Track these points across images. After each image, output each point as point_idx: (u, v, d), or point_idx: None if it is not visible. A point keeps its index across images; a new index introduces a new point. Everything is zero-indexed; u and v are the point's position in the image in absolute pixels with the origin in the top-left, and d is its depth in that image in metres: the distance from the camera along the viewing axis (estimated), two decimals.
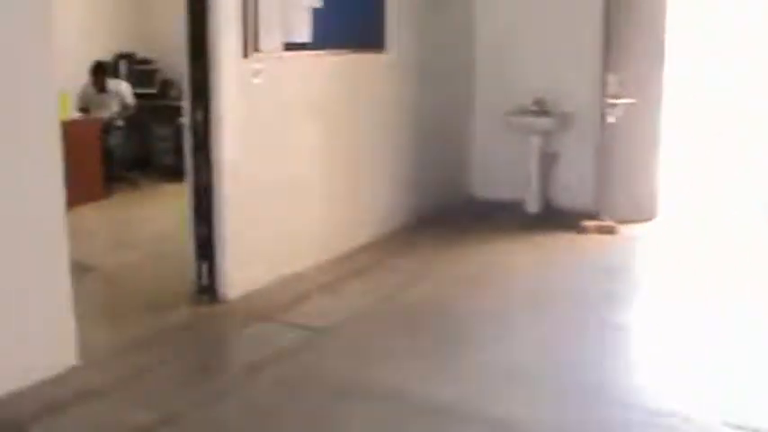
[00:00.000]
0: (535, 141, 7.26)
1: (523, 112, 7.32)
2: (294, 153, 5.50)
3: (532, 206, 7.32)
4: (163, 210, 7.51)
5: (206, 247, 5.08)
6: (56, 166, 4.06)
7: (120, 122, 8.78)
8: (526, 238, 6.65)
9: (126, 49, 9.76)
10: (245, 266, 5.14)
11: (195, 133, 4.96)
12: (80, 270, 5.65)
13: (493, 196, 7.63)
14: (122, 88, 8.86)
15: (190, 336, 4.61)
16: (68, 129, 7.89)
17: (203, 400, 3.83)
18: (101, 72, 8.64)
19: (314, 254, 5.71)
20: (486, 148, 7.73)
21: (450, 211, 7.38)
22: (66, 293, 4.10)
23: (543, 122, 7.25)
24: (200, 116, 4.91)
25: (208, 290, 5.11)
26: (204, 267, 5.10)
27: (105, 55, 9.28)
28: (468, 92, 7.69)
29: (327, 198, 5.86)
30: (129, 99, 8.87)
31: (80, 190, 7.76)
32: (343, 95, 5.90)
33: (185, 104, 5.00)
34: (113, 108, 8.72)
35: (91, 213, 7.70)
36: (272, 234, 5.32)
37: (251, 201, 5.14)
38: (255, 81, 5.08)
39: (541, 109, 7.29)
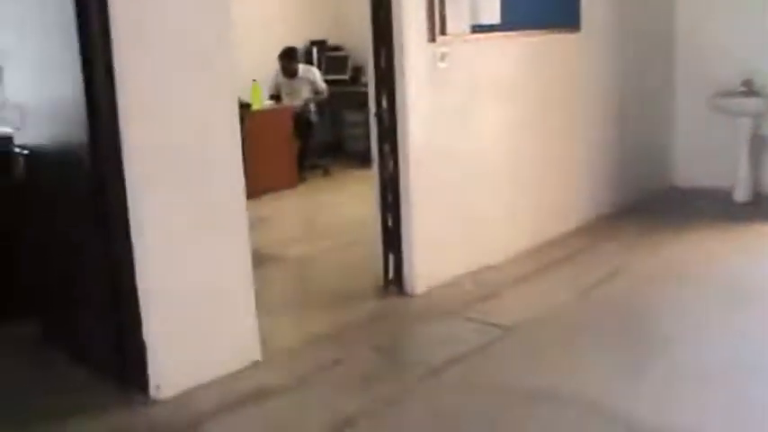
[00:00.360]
0: (744, 124, 6.70)
1: (731, 93, 6.75)
2: (483, 140, 5.26)
3: (740, 194, 6.76)
4: (353, 196, 7.47)
5: (393, 239, 4.94)
6: (235, 154, 4.01)
7: (312, 109, 8.81)
8: (733, 229, 6.10)
9: (319, 36, 9.83)
10: (433, 259, 4.97)
11: (380, 121, 4.81)
12: (267, 260, 5.73)
13: (697, 184, 7.11)
14: (313, 74, 8.83)
15: (373, 332, 4.47)
16: (261, 117, 8.17)
17: (383, 400, 3.68)
18: (290, 58, 8.63)
19: (504, 246, 5.45)
20: (690, 132, 7.19)
21: (652, 199, 6.92)
22: (248, 287, 4.05)
23: (753, 103, 6.68)
24: (385, 103, 4.77)
25: (394, 282, 4.98)
26: (391, 259, 4.97)
27: (298, 42, 9.36)
28: (668, 73, 7.17)
29: (519, 187, 5.59)
30: (321, 85, 8.84)
31: (272, 177, 7.94)
32: (534, 78, 5.59)
33: (370, 91, 4.86)
34: (304, 94, 8.74)
35: (282, 201, 7.82)
36: (461, 225, 5.13)
37: (438, 190, 4.96)
38: (442, 66, 4.88)
39: (750, 89, 6.70)
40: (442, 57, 4.86)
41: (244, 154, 7.71)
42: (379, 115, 4.81)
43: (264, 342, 4.13)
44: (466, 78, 5.07)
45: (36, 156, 4.25)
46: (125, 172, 3.58)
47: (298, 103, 8.65)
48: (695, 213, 6.50)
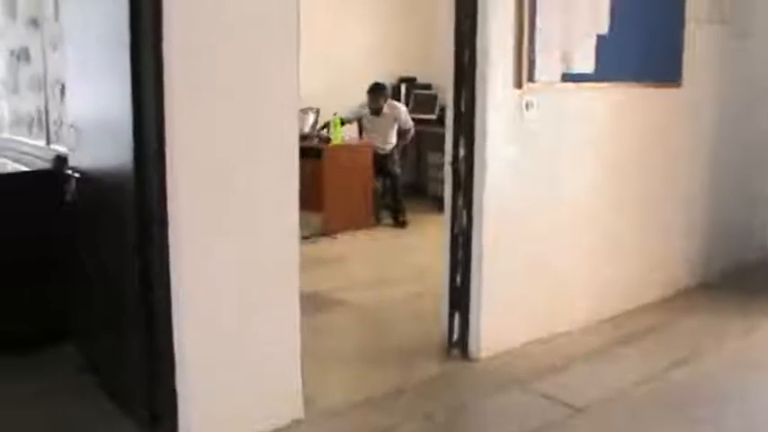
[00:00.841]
0: None
1: None
2: (566, 198, 4.85)
3: None
4: (428, 242, 7.06)
5: (459, 298, 4.58)
6: (291, 195, 3.70)
7: (396, 158, 8.47)
8: None
9: (409, 72, 9.58)
10: (503, 322, 4.59)
11: (455, 171, 4.47)
12: (328, 305, 5.44)
13: None
14: (399, 111, 8.47)
15: (429, 399, 4.10)
16: (339, 152, 7.92)
17: None
18: (376, 94, 8.31)
19: (583, 312, 5.03)
20: None
21: (750, 270, 6.37)
22: (295, 339, 3.73)
23: None
24: (462, 151, 4.43)
25: (458, 344, 4.60)
26: (456, 319, 4.60)
27: (389, 78, 9.13)
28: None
29: (602, 249, 5.15)
30: (407, 123, 8.49)
31: (348, 215, 7.67)
32: (627, 134, 5.16)
33: (447, 137, 4.53)
34: (388, 132, 8.45)
35: (355, 241, 7.53)
36: (535, 287, 4.73)
37: (513, 249, 4.58)
38: (527, 114, 4.51)
39: None
40: (528, 105, 4.50)
41: (319, 189, 7.61)
42: (454, 164, 4.47)
43: (310, 399, 3.83)
44: (553, 130, 4.69)
45: (86, 179, 4.06)
46: (168, 208, 3.32)
47: (379, 142, 8.35)
48: None
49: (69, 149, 4.26)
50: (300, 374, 3.78)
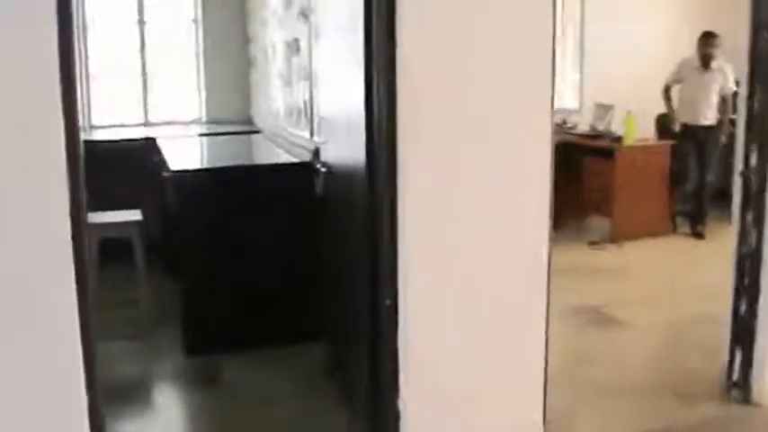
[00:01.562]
0: None
1: None
2: None
3: None
4: (727, 258, 6.29)
5: (743, 330, 3.90)
6: (542, 203, 3.23)
7: (716, 122, 7.23)
8: None
9: None
10: None
11: (746, 182, 3.79)
12: (602, 323, 4.97)
13: None
14: (729, 69, 6.99)
15: None
16: (633, 153, 7.23)
17: None
18: (711, 39, 7.08)
19: None
20: None
21: None
22: (538, 364, 3.30)
23: None
24: (754, 160, 3.74)
25: (739, 385, 3.92)
26: (738, 356, 3.93)
27: None
28: None
29: None
30: (731, 85, 6.96)
31: (641, 222, 7.03)
32: None
33: (738, 141, 3.86)
34: (711, 96, 7.18)
35: (646, 251, 6.87)
36: None
37: None
38: None
39: None
40: None
41: (609, 192, 7.02)
42: (745, 174, 3.79)
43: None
44: None
45: (331, 174, 3.92)
46: (398, 215, 3.03)
47: (696, 111, 7.19)
48: None
49: (321, 142, 4.14)
50: (542, 406, 3.35)
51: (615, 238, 7.02)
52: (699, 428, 3.67)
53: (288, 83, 5.27)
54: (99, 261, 4.52)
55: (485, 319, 3.17)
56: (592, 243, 7.02)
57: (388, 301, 3.11)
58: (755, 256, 3.79)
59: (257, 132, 6.58)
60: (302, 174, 4.42)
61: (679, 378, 4.19)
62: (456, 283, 3.11)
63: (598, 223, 7.35)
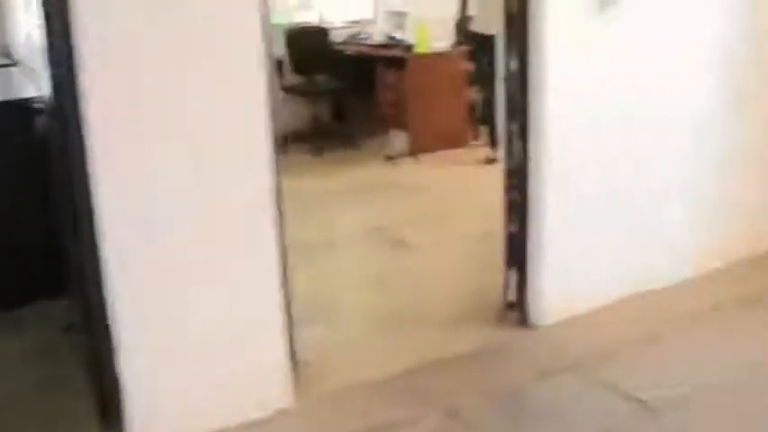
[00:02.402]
0: None
1: None
2: (652, 124, 3.76)
3: None
4: None
5: (517, 252, 3.63)
6: (259, 119, 2.78)
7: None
8: None
9: None
10: (569, 282, 3.63)
11: (509, 90, 3.47)
12: (386, 245, 4.77)
13: None
14: None
15: (463, 384, 3.21)
16: (426, 62, 6.84)
17: None
18: None
19: (679, 264, 3.96)
20: None
21: None
22: (274, 303, 2.94)
23: None
24: (513, 65, 3.41)
25: (516, 307, 3.68)
26: (513, 278, 3.67)
27: None
28: None
29: (716, 175, 4.05)
30: None
31: (438, 133, 6.74)
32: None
33: (499, 43, 3.53)
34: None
35: (441, 163, 6.57)
36: (611, 240, 3.73)
37: (585, 194, 3.58)
38: (606, 17, 3.44)
39: None
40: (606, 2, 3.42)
41: (403, 104, 6.67)
42: (508, 82, 3.46)
43: (311, 379, 3.12)
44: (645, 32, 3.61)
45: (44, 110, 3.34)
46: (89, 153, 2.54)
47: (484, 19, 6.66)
48: None
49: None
50: (289, 350, 3.01)
51: (413, 151, 6.72)
52: (467, 361, 3.39)
53: (27, 7, 4.57)
54: None
55: (201, 263, 2.76)
56: (389, 158, 6.70)
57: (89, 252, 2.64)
58: (522, 171, 3.50)
59: (11, 65, 5.80)
60: (25, 112, 3.83)
61: (458, 303, 3.91)
62: (163, 226, 2.67)
63: (397, 137, 7.02)
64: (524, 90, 3.39)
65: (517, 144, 3.48)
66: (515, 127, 3.47)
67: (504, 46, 3.45)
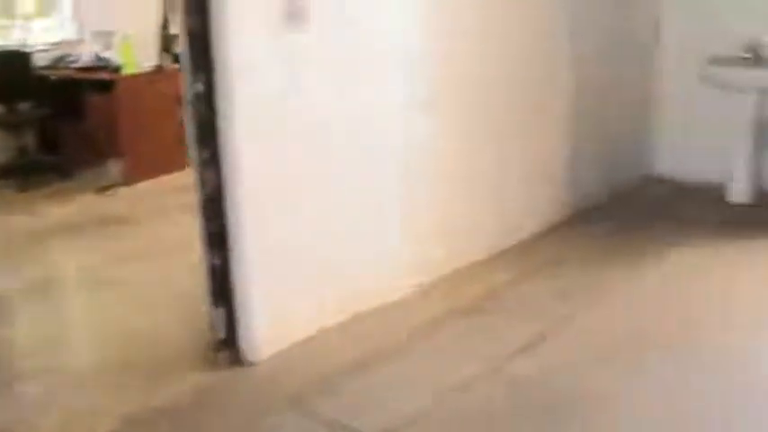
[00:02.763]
0: (747, 103, 5.15)
1: (730, 61, 5.15)
2: (367, 125, 3.66)
3: (739, 194, 5.22)
4: None
5: (222, 286, 3.37)
6: None
7: None
8: (729, 244, 4.54)
9: None
10: (281, 311, 3.42)
11: (196, 114, 3.21)
12: (95, 285, 4.38)
13: (682, 177, 5.57)
14: None
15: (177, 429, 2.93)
16: (135, 83, 6.46)
17: None
18: None
19: (392, 279, 3.87)
20: (675, 110, 5.63)
21: (622, 196, 5.38)
22: None
23: (759, 76, 5.09)
24: (199, 87, 3.16)
25: (226, 345, 3.42)
26: (220, 314, 3.41)
27: None
28: (646, 31, 5.54)
29: (425, 190, 4.00)
30: None
31: (156, 159, 6.37)
32: (454, 36, 3.97)
33: (183, 62, 3.25)
34: None
35: (156, 192, 6.19)
36: (320, 263, 3.56)
37: (287, 218, 3.39)
38: (294, 30, 3.26)
39: (757, 57, 5.12)
40: (294, 14, 3.24)
41: (115, 130, 6.25)
42: (195, 106, 3.20)
43: None
44: (334, 44, 3.47)
45: None
46: None
47: None
48: (675, 221, 4.93)
49: None
50: None
51: (129, 179, 6.29)
52: (179, 410, 3.09)
53: None
54: None
55: None
56: (102, 189, 6.23)
57: None
58: (217, 201, 3.25)
59: None
60: None
61: (166, 347, 3.59)
62: None
63: (115, 166, 6.55)
64: (213, 113, 3.14)
65: (210, 171, 3.21)
66: (206, 154, 3.20)
67: (188, 67, 3.17)
